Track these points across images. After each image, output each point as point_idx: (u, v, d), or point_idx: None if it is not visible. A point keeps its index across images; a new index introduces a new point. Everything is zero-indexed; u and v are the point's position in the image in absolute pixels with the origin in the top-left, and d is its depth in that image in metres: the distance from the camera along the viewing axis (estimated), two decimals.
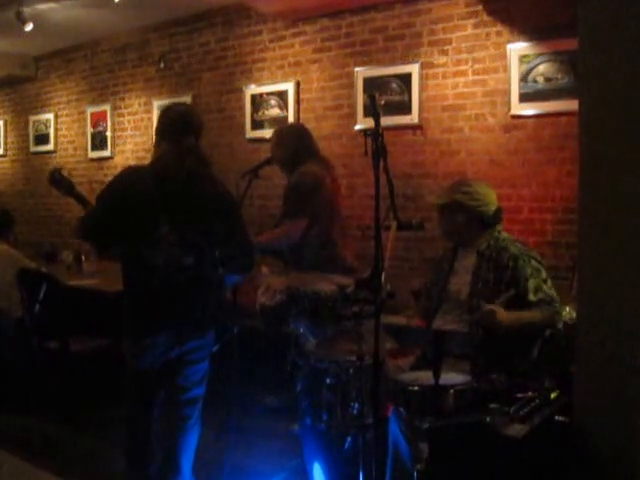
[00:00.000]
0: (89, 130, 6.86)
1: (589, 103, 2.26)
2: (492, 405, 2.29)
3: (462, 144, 4.35)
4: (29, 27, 5.30)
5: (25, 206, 7.51)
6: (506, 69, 4.12)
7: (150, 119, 6.15)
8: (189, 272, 2.46)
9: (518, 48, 4.07)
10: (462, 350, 2.70)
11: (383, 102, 4.57)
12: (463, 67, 4.33)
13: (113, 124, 6.63)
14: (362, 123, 4.72)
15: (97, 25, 6.10)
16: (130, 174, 2.60)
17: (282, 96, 5.23)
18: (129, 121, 6.48)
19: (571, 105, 3.42)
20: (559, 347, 2.76)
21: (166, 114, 2.69)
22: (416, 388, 2.30)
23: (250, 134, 5.45)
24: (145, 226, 2.44)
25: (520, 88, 4.07)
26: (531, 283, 2.70)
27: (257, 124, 5.40)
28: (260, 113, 5.38)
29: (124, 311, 2.54)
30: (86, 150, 6.92)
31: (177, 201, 2.47)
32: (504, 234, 2.92)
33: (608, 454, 2.17)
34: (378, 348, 2.21)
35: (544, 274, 2.76)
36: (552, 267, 3.54)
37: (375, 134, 2.26)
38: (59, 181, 2.89)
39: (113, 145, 6.65)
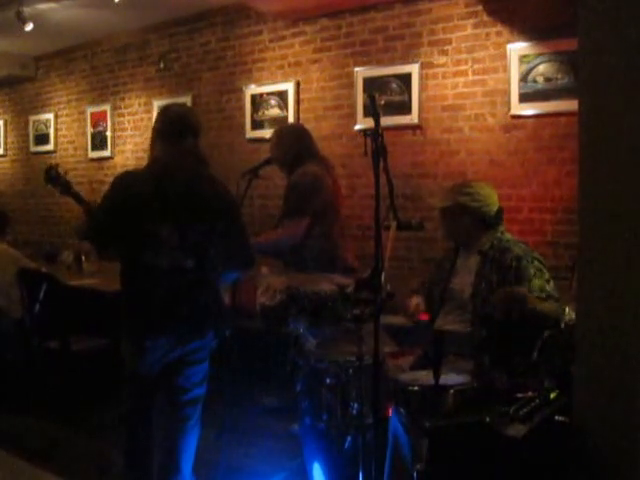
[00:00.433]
0: (89, 130, 6.86)
1: (589, 103, 2.26)
2: (492, 405, 2.29)
3: (462, 144, 4.36)
4: (29, 27, 5.30)
5: (25, 206, 7.51)
6: (506, 69, 4.13)
7: (150, 119, 6.15)
8: (190, 274, 2.45)
9: (518, 48, 4.08)
10: (463, 350, 2.70)
11: (383, 102, 4.58)
12: (463, 67, 4.33)
13: (113, 124, 6.63)
14: (362, 123, 4.72)
15: (97, 25, 6.10)
16: (128, 177, 2.58)
17: (282, 96, 5.24)
18: (129, 121, 6.48)
19: (571, 105, 3.42)
20: (559, 347, 2.75)
21: (164, 115, 2.67)
22: (416, 388, 2.30)
23: (250, 134, 5.45)
24: (145, 229, 2.43)
25: (520, 88, 4.07)
26: (535, 283, 2.70)
27: (257, 124, 5.40)
28: (260, 113, 5.38)
29: (123, 313, 2.53)
30: (86, 150, 6.92)
31: (177, 202, 2.46)
32: (507, 235, 2.92)
33: (608, 454, 2.17)
34: (378, 348, 2.22)
35: (547, 275, 2.76)
36: (552, 267, 3.53)
37: (375, 134, 2.26)
38: (55, 178, 2.89)
39: (113, 145, 6.65)
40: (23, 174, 7.67)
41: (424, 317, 3.02)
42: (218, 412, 3.49)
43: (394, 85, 4.62)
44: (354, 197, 4.67)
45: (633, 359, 2.14)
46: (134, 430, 2.57)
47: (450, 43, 4.38)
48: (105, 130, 6.69)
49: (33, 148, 7.54)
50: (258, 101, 5.40)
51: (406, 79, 4.56)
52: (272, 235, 3.61)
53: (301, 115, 5.15)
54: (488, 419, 2.22)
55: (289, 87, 5.18)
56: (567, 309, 2.90)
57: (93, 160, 6.86)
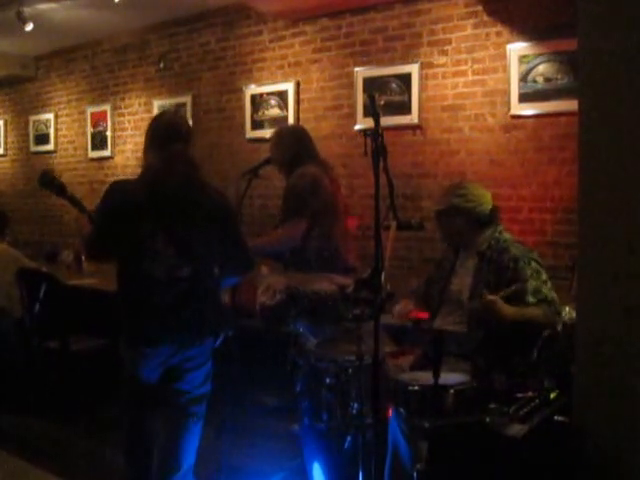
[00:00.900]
0: (89, 130, 6.86)
1: (589, 103, 2.26)
2: (492, 405, 2.30)
3: (462, 144, 4.35)
4: (29, 27, 5.30)
5: (25, 206, 7.51)
6: (506, 69, 4.12)
7: (150, 119, 6.15)
8: (187, 283, 2.44)
9: (518, 48, 4.07)
10: (462, 350, 2.70)
11: (383, 102, 4.57)
12: (463, 67, 4.33)
13: (113, 124, 6.63)
14: (362, 123, 4.72)
15: (97, 25, 6.10)
16: (120, 186, 2.56)
17: (282, 96, 5.23)
18: (129, 121, 6.48)
19: (571, 105, 3.42)
20: (559, 347, 2.76)
21: (156, 123, 2.67)
22: (416, 388, 2.31)
23: (250, 134, 5.45)
24: (139, 238, 2.41)
25: (520, 88, 4.06)
26: (530, 285, 2.70)
27: (257, 124, 5.40)
28: (260, 113, 5.38)
29: (121, 320, 2.53)
30: (86, 150, 6.92)
31: (170, 210, 2.44)
32: (505, 235, 2.91)
33: (608, 454, 2.17)
34: (378, 348, 2.22)
35: (544, 276, 2.76)
36: (552, 267, 3.54)
37: (375, 134, 2.26)
38: (50, 182, 2.87)
39: (113, 145, 6.65)
40: (23, 174, 7.67)
41: (420, 315, 3.01)
42: (218, 412, 3.49)
43: (394, 85, 4.62)
44: (354, 197, 4.67)
45: (633, 359, 2.14)
46: (134, 430, 2.56)
47: (450, 43, 4.38)
48: (105, 130, 6.69)
49: (33, 148, 7.54)
50: (258, 101, 5.40)
51: (406, 79, 4.56)
52: (271, 237, 3.61)
53: (301, 115, 5.15)
54: (488, 419, 2.22)
55: (289, 87, 5.18)
56: (567, 308, 2.90)
57: (93, 160, 6.86)
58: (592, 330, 2.25)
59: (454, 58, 4.37)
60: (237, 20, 5.50)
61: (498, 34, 4.18)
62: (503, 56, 4.14)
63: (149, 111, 6.22)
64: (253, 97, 5.42)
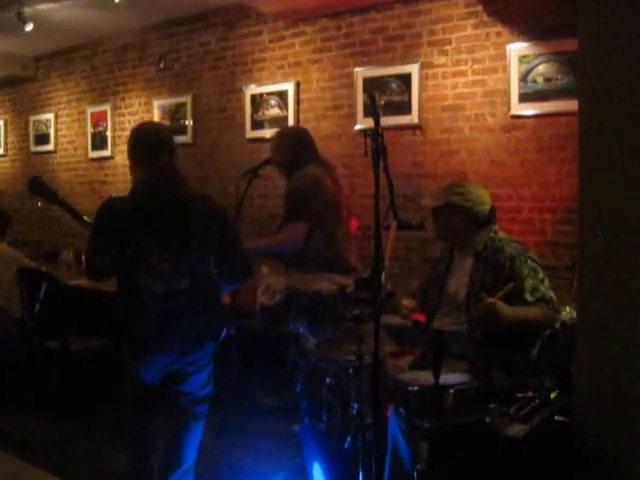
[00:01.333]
0: (89, 130, 6.86)
1: (589, 103, 2.26)
2: (492, 405, 2.30)
3: (462, 144, 4.35)
4: (29, 27, 5.30)
5: (25, 206, 7.50)
6: (506, 69, 4.12)
7: (150, 119, 6.15)
8: (185, 295, 2.44)
9: (518, 48, 4.07)
10: (461, 350, 2.70)
11: (383, 102, 4.57)
12: (463, 67, 4.33)
13: (113, 124, 6.63)
14: (362, 123, 4.72)
15: (97, 25, 6.10)
16: (109, 207, 2.52)
17: (282, 96, 5.23)
18: (129, 121, 6.48)
19: (571, 105, 3.42)
20: (559, 347, 2.76)
21: (135, 136, 2.63)
22: (416, 388, 2.30)
23: (250, 134, 5.45)
24: (136, 254, 2.41)
25: (520, 88, 4.07)
26: (528, 284, 2.69)
27: (257, 124, 5.40)
28: (260, 113, 5.38)
29: (123, 331, 2.54)
30: (86, 150, 6.92)
31: (163, 223, 2.43)
32: (501, 234, 2.91)
33: (608, 454, 2.17)
34: (378, 348, 2.21)
35: (541, 274, 2.75)
36: (552, 267, 3.54)
37: (375, 134, 2.26)
38: (39, 187, 2.80)
39: (113, 145, 6.65)
40: (23, 174, 7.66)
41: (420, 318, 3.02)
42: (218, 412, 3.49)
43: (394, 85, 4.62)
44: (354, 197, 4.66)
45: (633, 359, 2.14)
46: (135, 430, 2.57)
47: (450, 43, 4.38)
48: (105, 130, 6.69)
49: (33, 148, 7.54)
50: (258, 101, 5.40)
51: (406, 79, 4.56)
52: (273, 239, 3.60)
53: (301, 115, 5.15)
54: (488, 419, 2.22)
55: (289, 87, 5.18)
56: (567, 308, 2.90)
57: (93, 160, 6.86)
58: (592, 330, 2.25)
59: (454, 58, 4.37)
60: (237, 20, 5.50)
61: (498, 34, 4.18)
62: (503, 56, 4.14)
63: (149, 111, 6.22)
64: (253, 97, 5.42)
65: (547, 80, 3.97)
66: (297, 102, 5.16)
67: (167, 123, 5.85)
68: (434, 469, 2.16)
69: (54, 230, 7.17)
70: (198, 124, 5.81)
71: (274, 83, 5.29)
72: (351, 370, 2.66)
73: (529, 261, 2.76)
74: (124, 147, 6.50)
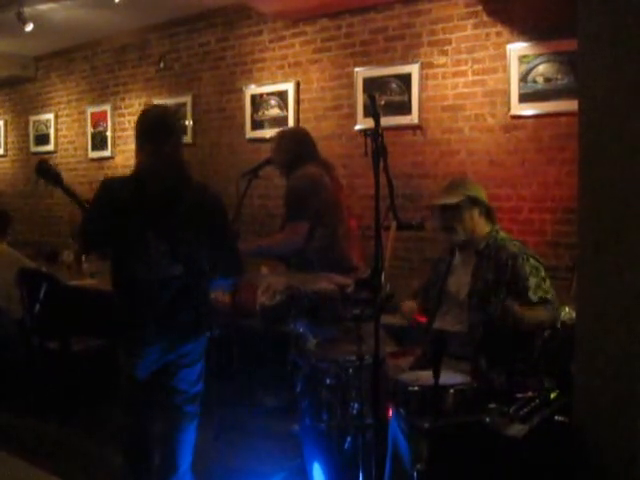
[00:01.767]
0: (89, 130, 6.86)
1: (589, 103, 2.26)
2: (492, 405, 2.30)
3: (462, 144, 4.35)
4: (29, 27, 5.30)
5: (25, 206, 7.51)
6: (506, 69, 4.12)
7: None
8: (179, 281, 2.44)
9: (518, 48, 4.07)
10: (462, 350, 2.70)
11: (383, 102, 4.57)
12: (463, 67, 4.33)
13: (113, 124, 6.63)
14: (362, 123, 4.72)
15: (97, 25, 6.09)
16: (108, 185, 2.57)
17: (282, 96, 5.23)
18: (129, 121, 6.48)
19: (571, 105, 3.42)
20: (559, 347, 2.76)
21: (142, 119, 2.64)
22: (416, 388, 2.31)
23: (250, 134, 5.45)
24: (131, 237, 2.42)
25: (520, 88, 4.06)
26: (531, 282, 2.71)
27: (257, 124, 5.40)
28: (260, 113, 5.38)
29: (116, 319, 2.54)
30: (86, 150, 6.92)
31: (158, 208, 2.44)
32: (502, 233, 2.93)
33: (608, 454, 2.17)
34: (378, 348, 2.22)
35: (543, 273, 2.76)
36: (552, 267, 3.54)
37: (375, 134, 2.26)
38: (46, 171, 2.88)
39: (113, 145, 6.65)
40: (23, 174, 7.66)
41: (420, 319, 3.02)
42: (218, 412, 3.50)
43: (394, 85, 4.62)
44: (354, 197, 4.66)
45: (633, 359, 2.14)
46: (131, 431, 2.57)
47: (450, 43, 4.38)
48: (105, 130, 6.69)
49: (33, 148, 7.54)
50: (258, 101, 5.40)
51: (406, 79, 4.56)
52: (273, 240, 3.60)
53: (301, 115, 5.15)
54: (488, 419, 2.22)
55: (289, 87, 5.18)
56: (567, 308, 2.90)
57: (93, 160, 6.86)
58: (592, 330, 2.25)
59: (454, 58, 4.37)
60: (237, 20, 5.50)
61: (498, 34, 4.18)
62: (503, 56, 4.14)
63: None
64: (253, 97, 5.42)
65: (547, 80, 3.97)
66: (297, 102, 5.16)
67: None
68: (434, 469, 2.16)
69: (54, 230, 7.17)
70: (198, 124, 5.81)
71: (274, 83, 5.29)
72: (351, 370, 2.66)
73: (531, 259, 2.77)
74: (124, 147, 6.55)
